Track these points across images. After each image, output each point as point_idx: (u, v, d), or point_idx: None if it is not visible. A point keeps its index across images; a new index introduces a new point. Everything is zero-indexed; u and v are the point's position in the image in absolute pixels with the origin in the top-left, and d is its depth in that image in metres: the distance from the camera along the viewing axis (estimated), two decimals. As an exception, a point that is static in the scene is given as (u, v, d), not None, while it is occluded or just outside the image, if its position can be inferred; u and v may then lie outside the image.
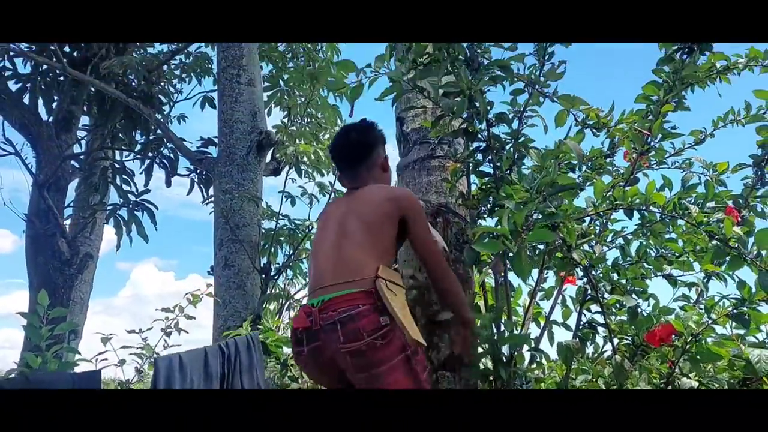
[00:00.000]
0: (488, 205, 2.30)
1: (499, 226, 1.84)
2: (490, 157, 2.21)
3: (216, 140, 5.43)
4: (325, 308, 1.80)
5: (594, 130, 2.19)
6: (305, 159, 6.24)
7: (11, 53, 5.53)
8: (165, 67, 6.46)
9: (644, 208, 1.94)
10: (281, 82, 6.58)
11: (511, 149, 2.24)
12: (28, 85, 5.91)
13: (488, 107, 2.19)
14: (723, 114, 2.39)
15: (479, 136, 2.27)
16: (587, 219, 2.27)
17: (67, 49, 6.28)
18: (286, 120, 7.13)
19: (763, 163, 2.37)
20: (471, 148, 2.33)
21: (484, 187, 2.31)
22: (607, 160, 2.42)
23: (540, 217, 1.91)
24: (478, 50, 2.29)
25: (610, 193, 2.05)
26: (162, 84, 6.53)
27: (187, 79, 6.67)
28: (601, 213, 2.11)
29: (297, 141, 5.73)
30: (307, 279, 2.10)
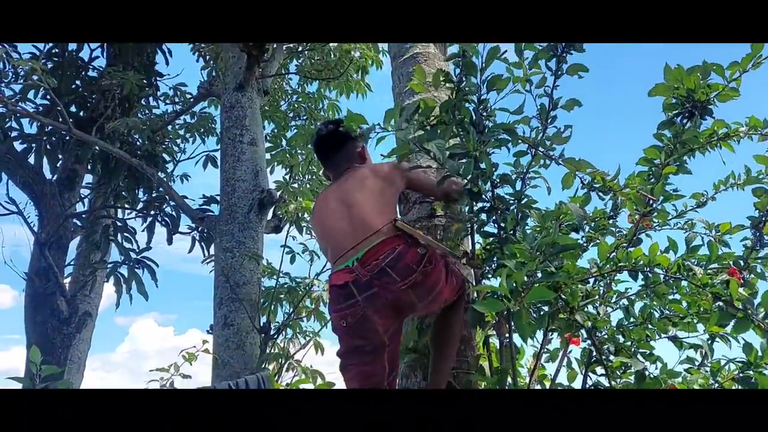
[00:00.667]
0: (492, 265, 2.29)
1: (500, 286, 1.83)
2: (494, 218, 2.22)
3: (218, 198, 5.47)
4: (366, 261, 1.98)
5: (600, 194, 2.21)
6: (306, 215, 6.27)
7: (17, 114, 5.63)
8: (169, 127, 6.57)
9: (648, 270, 1.94)
10: (283, 142, 6.68)
11: (515, 210, 2.25)
12: (33, 145, 5.99)
13: (493, 168, 2.21)
14: (724, 177, 2.42)
15: (483, 196, 2.28)
16: (591, 280, 2.26)
17: (73, 109, 6.41)
18: (288, 177, 7.21)
19: (760, 224, 2.38)
20: (475, 208, 2.34)
21: (488, 247, 2.31)
22: (610, 221, 2.43)
23: (540, 276, 1.90)
24: (484, 113, 2.32)
25: (614, 254, 2.05)
26: (166, 143, 6.63)
27: (190, 139, 6.78)
28: (605, 274, 2.11)
29: (298, 198, 5.76)
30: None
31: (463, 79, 2.34)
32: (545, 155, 2.20)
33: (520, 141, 2.23)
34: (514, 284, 1.78)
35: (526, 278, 1.80)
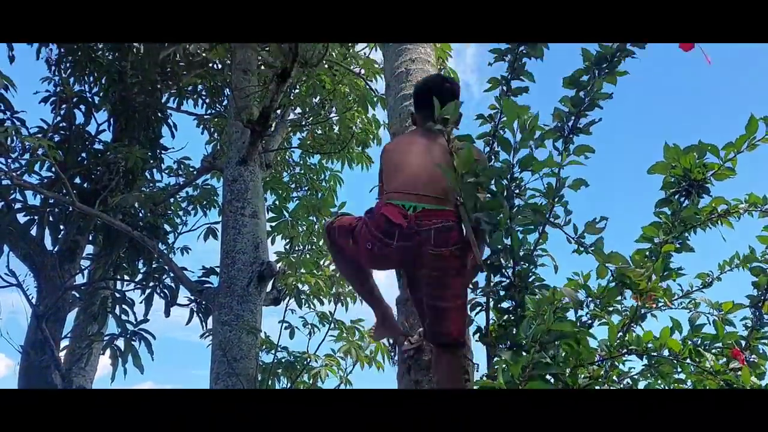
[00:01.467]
0: (506, 343, 2.24)
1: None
2: (512, 294, 2.17)
3: (217, 270, 5.45)
4: (423, 215, 2.17)
5: (630, 290, 2.15)
6: (306, 288, 6.23)
7: (22, 187, 5.69)
8: (171, 199, 6.64)
9: (656, 354, 1.91)
10: (285, 213, 6.72)
11: (533, 285, 2.21)
12: (36, 217, 6.03)
13: (520, 244, 2.16)
14: (729, 258, 2.42)
15: (504, 271, 2.23)
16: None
17: (77, 180, 6.49)
18: (288, 247, 7.20)
19: (759, 303, 2.36)
20: (493, 282, 2.27)
21: (503, 324, 2.26)
22: (617, 299, 2.40)
23: (537, 367, 1.85)
24: (516, 191, 2.25)
25: (620, 334, 2.02)
26: (168, 214, 6.68)
27: (192, 211, 6.83)
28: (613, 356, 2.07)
29: (298, 270, 5.74)
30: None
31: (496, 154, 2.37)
32: (578, 242, 2.13)
33: (548, 223, 2.18)
34: (511, 377, 1.74)
35: (522, 370, 1.76)
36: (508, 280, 2.20)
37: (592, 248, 2.10)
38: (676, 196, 2.39)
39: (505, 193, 2.18)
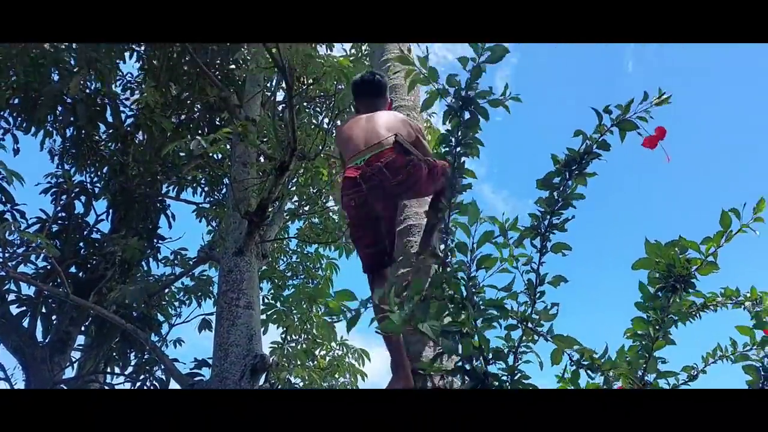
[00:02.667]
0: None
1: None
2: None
3: (210, 361, 5.36)
4: (370, 162, 2.71)
5: (589, 372, 2.20)
6: (297, 380, 6.12)
7: (16, 279, 5.70)
8: (166, 291, 6.63)
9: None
10: (279, 303, 6.70)
11: (508, 386, 2.21)
12: (29, 309, 6.00)
13: (488, 344, 2.20)
14: (712, 350, 2.43)
15: (476, 373, 2.26)
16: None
17: (73, 269, 6.50)
18: (283, 336, 7.12)
19: (759, 401, 2.34)
20: (468, 384, 2.30)
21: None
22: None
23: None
24: (473, 289, 2.36)
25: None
26: (163, 304, 6.65)
27: (187, 302, 6.80)
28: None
29: (291, 363, 5.67)
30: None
31: (453, 254, 2.43)
32: (533, 331, 2.22)
33: (510, 316, 2.26)
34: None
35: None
36: (481, 382, 2.21)
37: (550, 334, 2.16)
38: (662, 292, 2.42)
39: (464, 294, 2.27)
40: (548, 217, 2.45)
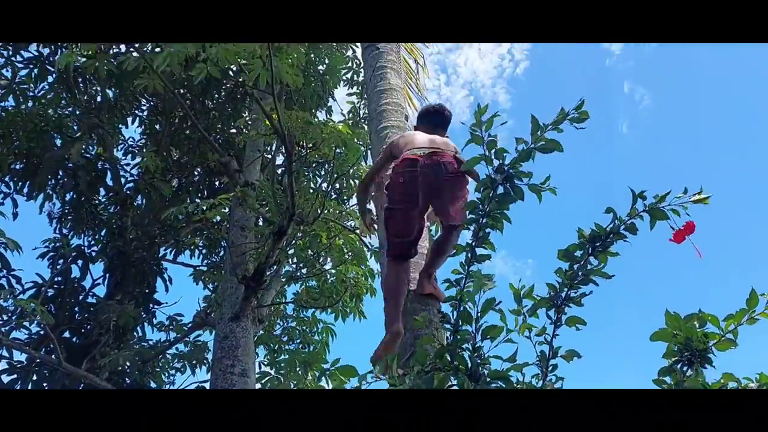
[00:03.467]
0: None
1: None
2: None
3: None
4: (431, 156, 3.25)
5: None
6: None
7: (9, 346, 5.61)
8: (161, 357, 6.51)
9: None
10: (273, 370, 6.58)
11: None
12: (20, 378, 5.88)
13: None
14: None
15: None
16: None
17: (67, 334, 6.40)
18: (278, 404, 6.93)
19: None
20: None
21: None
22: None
23: None
24: (478, 360, 2.31)
25: None
26: (157, 371, 6.52)
27: (181, 369, 6.67)
28: None
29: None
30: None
31: (459, 325, 2.40)
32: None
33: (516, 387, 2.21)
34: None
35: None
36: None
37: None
38: (679, 365, 2.38)
39: (468, 365, 2.25)
40: (566, 289, 2.43)
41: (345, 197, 7.94)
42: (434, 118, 3.81)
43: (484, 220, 2.99)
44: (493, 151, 3.00)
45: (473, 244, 3.06)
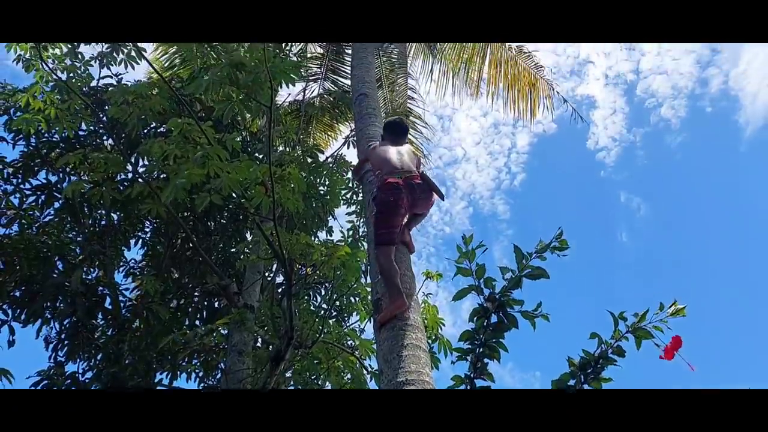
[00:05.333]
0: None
1: None
2: None
3: None
4: (406, 180, 4.37)
5: None
6: None
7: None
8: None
9: None
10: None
11: None
12: None
13: None
14: None
15: None
16: None
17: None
18: None
19: None
20: None
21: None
22: None
23: None
24: None
25: None
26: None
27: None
28: None
29: None
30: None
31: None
32: None
33: None
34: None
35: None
36: None
37: None
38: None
39: None
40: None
41: (345, 315, 7.87)
42: (398, 129, 5.12)
43: (481, 350, 2.97)
44: (481, 280, 3.02)
45: (472, 375, 3.02)
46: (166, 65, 10.36)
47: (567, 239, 2.80)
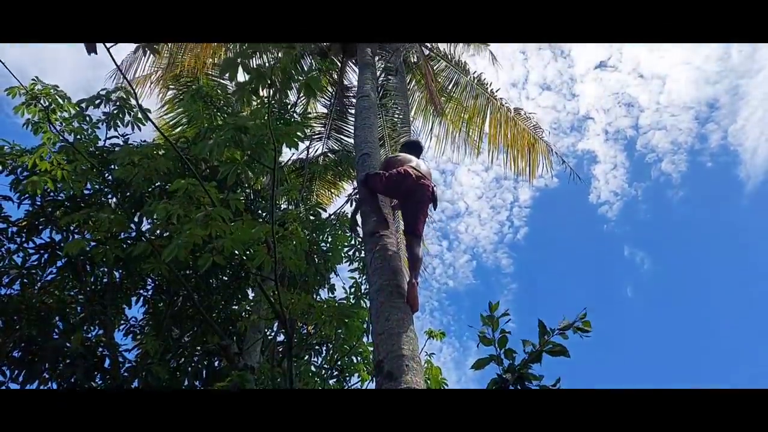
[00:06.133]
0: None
1: None
2: None
3: None
4: (420, 178, 5.14)
5: None
6: None
7: None
8: None
9: None
10: None
11: None
12: None
13: None
14: None
15: None
16: None
17: None
18: None
19: None
20: None
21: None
22: None
23: None
24: None
25: None
26: None
27: None
28: None
29: None
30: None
31: None
32: None
33: None
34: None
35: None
36: None
37: None
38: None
39: None
40: None
41: (346, 376, 7.75)
42: (415, 148, 5.97)
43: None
44: (502, 350, 3.00)
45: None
46: (172, 123, 10.60)
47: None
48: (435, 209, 5.33)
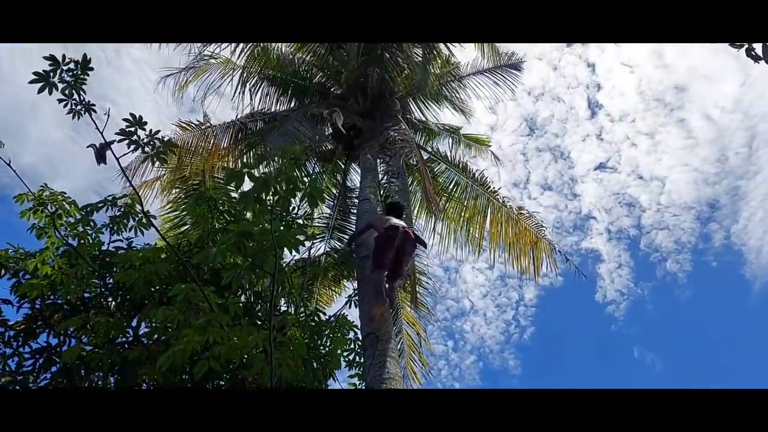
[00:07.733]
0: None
1: None
2: None
3: None
4: (404, 232, 6.74)
5: None
6: None
7: None
8: None
9: None
10: None
11: None
12: None
13: None
14: None
15: None
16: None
17: None
18: None
19: None
20: None
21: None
22: None
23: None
24: None
25: None
26: None
27: None
28: None
29: None
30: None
31: None
32: None
33: None
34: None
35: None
36: None
37: None
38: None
39: None
40: None
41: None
42: (396, 209, 7.34)
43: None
44: None
45: None
46: (177, 222, 10.72)
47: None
48: (426, 247, 7.99)
